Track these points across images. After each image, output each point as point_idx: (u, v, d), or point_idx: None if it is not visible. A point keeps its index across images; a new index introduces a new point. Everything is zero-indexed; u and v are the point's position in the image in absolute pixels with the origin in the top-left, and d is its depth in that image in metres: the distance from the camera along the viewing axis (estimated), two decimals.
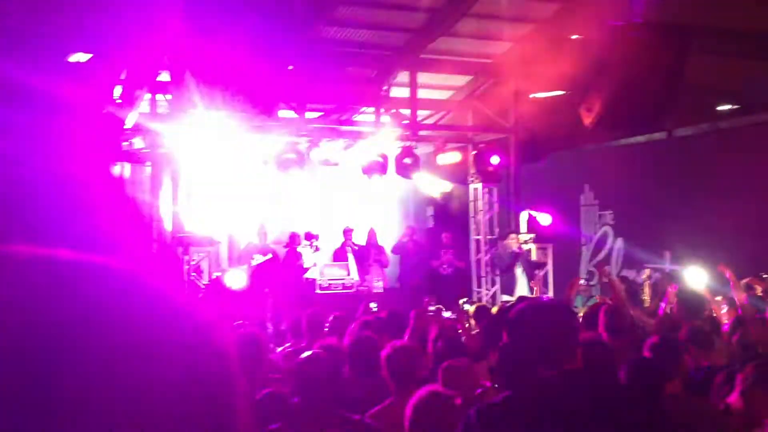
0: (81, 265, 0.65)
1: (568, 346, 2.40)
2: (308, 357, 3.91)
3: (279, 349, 6.59)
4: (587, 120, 10.12)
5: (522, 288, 11.81)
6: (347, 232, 13.09)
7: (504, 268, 12.52)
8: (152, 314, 0.65)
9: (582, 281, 12.18)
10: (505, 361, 2.75)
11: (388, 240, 13.57)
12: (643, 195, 12.61)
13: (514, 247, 12.37)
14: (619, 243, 13.34)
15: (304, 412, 3.70)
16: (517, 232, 12.82)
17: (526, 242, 12.58)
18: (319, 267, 12.20)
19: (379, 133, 12.30)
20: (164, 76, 10.89)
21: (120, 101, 10.07)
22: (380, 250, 13.01)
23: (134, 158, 11.19)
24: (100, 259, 0.68)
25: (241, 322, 6.91)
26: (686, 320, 6.54)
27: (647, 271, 11.84)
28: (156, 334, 0.64)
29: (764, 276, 9.28)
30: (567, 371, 2.35)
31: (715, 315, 7.32)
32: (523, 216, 13.18)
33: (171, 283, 0.71)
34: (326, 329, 6.42)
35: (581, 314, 8.00)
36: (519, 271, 12.33)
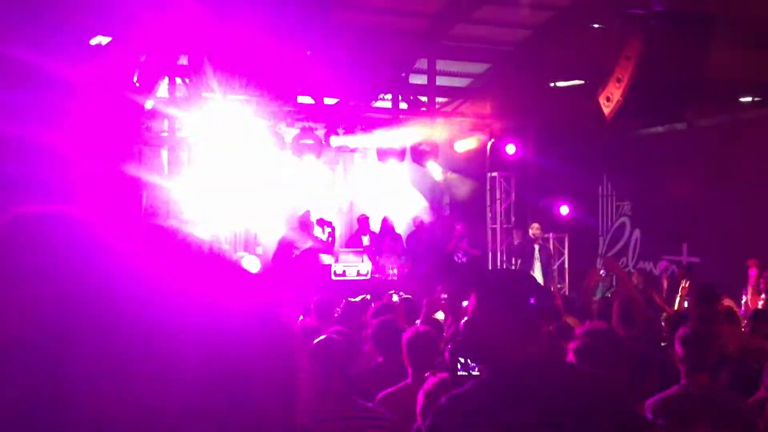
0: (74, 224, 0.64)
1: (533, 319, 2.37)
2: (322, 341, 3.92)
3: None
4: (607, 110, 10.05)
5: (538, 277, 11.79)
6: (362, 220, 13.10)
7: (520, 256, 12.50)
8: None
9: (602, 272, 12.13)
10: (470, 339, 2.67)
11: (403, 228, 13.57)
12: (661, 186, 12.51)
13: (533, 236, 12.36)
14: (637, 234, 13.25)
15: (319, 398, 3.72)
16: (535, 221, 12.78)
17: (543, 232, 12.55)
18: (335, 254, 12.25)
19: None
20: (183, 60, 10.92)
21: (138, 85, 10.12)
22: (396, 237, 13.01)
23: (151, 142, 11.25)
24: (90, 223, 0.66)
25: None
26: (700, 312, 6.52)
27: (664, 263, 11.80)
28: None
29: None
30: (539, 360, 2.33)
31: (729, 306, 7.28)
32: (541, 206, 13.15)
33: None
34: (336, 315, 6.44)
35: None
36: (536, 262, 12.32)
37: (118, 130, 9.06)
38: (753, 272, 9.26)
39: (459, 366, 3.08)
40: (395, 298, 8.29)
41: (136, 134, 10.61)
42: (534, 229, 12.44)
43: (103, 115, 8.13)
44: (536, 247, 12.38)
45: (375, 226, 13.30)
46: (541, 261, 12.32)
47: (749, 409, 3.91)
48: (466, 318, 2.53)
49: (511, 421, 2.14)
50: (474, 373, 3.08)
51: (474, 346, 2.49)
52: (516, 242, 12.90)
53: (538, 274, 11.99)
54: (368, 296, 7.46)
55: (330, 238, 12.43)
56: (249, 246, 12.25)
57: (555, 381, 2.24)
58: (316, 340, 3.99)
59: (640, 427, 2.98)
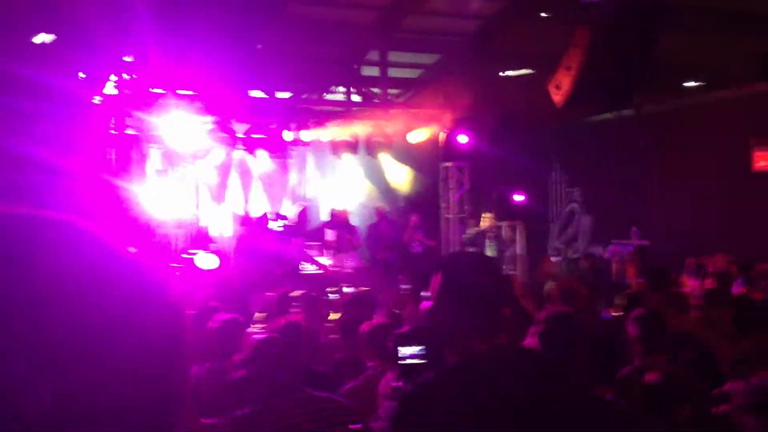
0: (54, 225, 0.70)
1: (496, 302, 2.38)
2: (264, 338, 3.91)
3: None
4: (557, 98, 10.18)
5: None
6: (331, 213, 13.07)
7: (472, 246, 12.61)
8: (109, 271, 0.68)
9: (553, 258, 12.32)
10: (432, 326, 2.68)
11: (359, 220, 13.56)
12: (610, 172, 12.75)
13: (484, 226, 12.49)
14: (587, 219, 13.48)
15: (271, 395, 3.69)
16: (487, 210, 12.91)
17: (495, 221, 12.68)
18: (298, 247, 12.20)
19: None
20: (129, 57, 10.72)
21: (85, 82, 9.91)
22: (352, 230, 13.00)
23: (117, 141, 11.04)
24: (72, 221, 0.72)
25: (215, 306, 6.89)
26: (651, 292, 6.68)
27: (613, 248, 12.03)
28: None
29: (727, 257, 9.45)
30: (504, 347, 2.35)
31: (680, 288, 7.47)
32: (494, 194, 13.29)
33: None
34: (295, 308, 6.44)
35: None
36: (489, 250, 12.44)
37: (92, 133, 8.94)
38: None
39: (401, 355, 3.11)
40: (347, 289, 8.32)
41: (106, 136, 10.45)
42: (485, 219, 12.57)
43: (73, 118, 7.99)
44: (487, 236, 12.51)
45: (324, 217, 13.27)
46: (495, 249, 12.45)
47: (706, 389, 4.02)
48: (429, 303, 2.53)
49: (477, 408, 2.14)
50: (416, 361, 3.11)
51: (438, 332, 2.49)
52: (468, 232, 12.99)
53: None
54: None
55: (287, 232, 12.37)
56: (203, 243, 12.11)
57: (521, 368, 2.26)
58: (257, 338, 3.97)
59: (604, 413, 3.05)
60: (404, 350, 3.07)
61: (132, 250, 0.73)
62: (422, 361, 3.06)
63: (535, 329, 3.73)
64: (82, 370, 0.64)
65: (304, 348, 4.41)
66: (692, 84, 12.59)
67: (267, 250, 11.71)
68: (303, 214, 12.76)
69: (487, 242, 12.49)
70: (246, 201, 13.47)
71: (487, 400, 2.14)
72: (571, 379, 2.35)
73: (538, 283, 10.94)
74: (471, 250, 12.72)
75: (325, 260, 11.83)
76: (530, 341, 3.67)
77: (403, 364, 3.08)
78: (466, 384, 2.19)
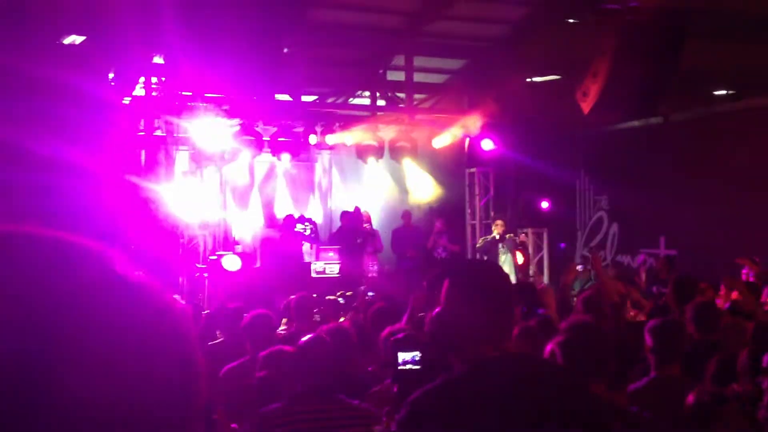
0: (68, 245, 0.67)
1: (504, 309, 2.37)
2: (311, 340, 3.92)
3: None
4: (584, 104, 10.11)
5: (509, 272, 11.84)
6: (344, 217, 13.07)
7: (485, 254, 12.48)
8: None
9: (579, 267, 12.20)
10: (440, 332, 2.66)
11: (384, 225, 13.56)
12: (638, 180, 12.61)
13: (495, 233, 12.41)
14: (614, 228, 13.35)
15: (303, 396, 3.71)
16: (512, 217, 12.84)
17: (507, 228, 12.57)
18: (314, 251, 12.23)
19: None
20: (159, 59, 10.83)
21: (114, 84, 10.03)
22: (374, 234, 13.00)
23: (145, 143, 11.17)
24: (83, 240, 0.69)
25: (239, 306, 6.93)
26: (680, 304, 6.58)
27: (642, 257, 11.90)
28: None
29: (757, 260, 9.30)
30: (513, 353, 2.33)
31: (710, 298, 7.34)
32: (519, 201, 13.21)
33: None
34: (316, 314, 6.44)
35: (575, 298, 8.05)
36: (503, 257, 12.33)
37: (121, 135, 9.07)
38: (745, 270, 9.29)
39: (401, 360, 3.12)
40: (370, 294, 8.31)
41: (135, 138, 10.61)
42: (497, 227, 12.48)
43: (102, 120, 8.10)
44: (500, 244, 12.41)
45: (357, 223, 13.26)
46: (508, 256, 12.34)
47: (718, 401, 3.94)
48: (437, 309, 2.53)
49: (485, 416, 2.13)
50: (413, 367, 3.12)
51: (446, 338, 2.48)
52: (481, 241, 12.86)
53: (507, 269, 12.02)
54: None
55: (312, 235, 12.42)
56: (228, 245, 12.19)
57: (529, 375, 2.24)
58: (303, 339, 3.99)
59: (612, 420, 3.01)
60: (403, 355, 3.09)
61: (137, 273, 0.69)
62: (417, 367, 3.07)
63: (556, 339, 3.70)
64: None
65: (350, 352, 4.46)
66: (722, 92, 12.44)
67: (291, 253, 11.76)
68: (353, 217, 12.85)
69: (501, 250, 12.39)
70: (271, 204, 13.53)
71: (494, 408, 2.13)
72: (580, 387, 2.32)
73: (561, 291, 10.85)
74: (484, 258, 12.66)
75: (337, 264, 11.81)
76: (552, 351, 3.63)
77: (399, 370, 3.09)
78: (474, 391, 2.18)
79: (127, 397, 0.61)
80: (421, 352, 3.12)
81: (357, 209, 13.07)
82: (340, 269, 11.66)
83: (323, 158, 14.20)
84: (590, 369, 3.42)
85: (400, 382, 3.10)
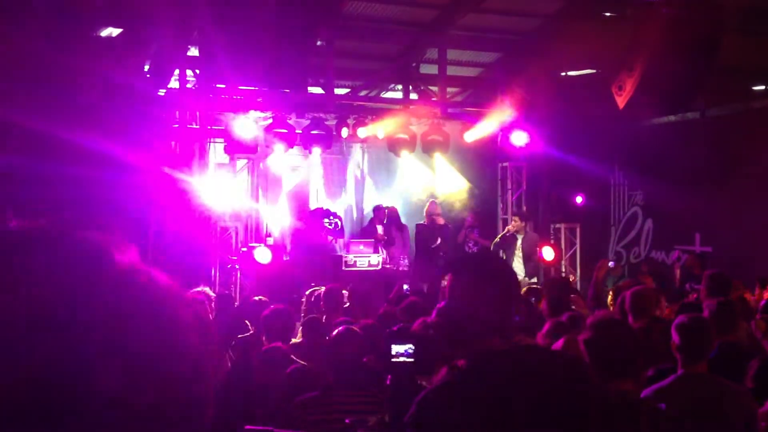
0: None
1: (510, 299, 2.36)
2: (342, 333, 3.96)
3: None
4: (619, 99, 9.99)
5: (518, 269, 11.79)
6: (377, 210, 13.09)
7: (503, 248, 12.38)
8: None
9: (611, 263, 12.06)
10: (445, 325, 2.66)
11: (416, 220, 13.54)
12: (674, 175, 12.43)
13: (513, 229, 12.32)
14: (649, 224, 13.19)
15: (333, 388, 3.76)
16: (547, 211, 12.75)
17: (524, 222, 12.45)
18: (344, 244, 12.30)
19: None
20: (193, 51, 10.93)
21: (149, 76, 10.15)
22: (402, 227, 12.98)
23: (180, 135, 11.30)
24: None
25: (262, 298, 7.00)
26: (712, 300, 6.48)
27: (677, 253, 11.75)
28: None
29: None
30: (517, 345, 2.32)
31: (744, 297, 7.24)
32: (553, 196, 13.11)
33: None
34: (346, 305, 6.48)
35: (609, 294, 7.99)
36: (518, 251, 12.25)
37: (156, 126, 9.17)
38: None
39: (394, 353, 3.14)
40: (405, 287, 8.32)
41: (170, 129, 10.73)
42: (514, 222, 12.39)
43: (138, 112, 8.21)
44: (518, 238, 12.31)
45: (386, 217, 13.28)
46: (522, 252, 12.23)
47: (747, 400, 3.89)
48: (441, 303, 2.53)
49: (493, 410, 2.13)
50: (407, 359, 3.14)
51: (451, 331, 2.47)
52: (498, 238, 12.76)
53: (518, 265, 11.93)
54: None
55: (338, 230, 12.45)
56: (260, 237, 12.29)
57: (535, 367, 2.24)
58: (335, 332, 4.03)
59: (620, 411, 3.00)
60: (397, 348, 3.11)
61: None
62: (410, 359, 3.10)
63: (582, 336, 3.68)
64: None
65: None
66: (760, 87, 12.20)
67: (320, 245, 11.82)
68: (392, 213, 12.89)
69: (517, 245, 12.29)
70: (303, 197, 13.61)
71: (501, 402, 2.13)
72: (585, 378, 2.32)
73: (594, 287, 10.78)
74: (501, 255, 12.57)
75: (377, 257, 11.84)
76: (581, 347, 3.61)
77: (392, 362, 3.12)
78: (481, 386, 2.18)
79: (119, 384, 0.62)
80: (414, 344, 3.15)
81: (392, 209, 13.10)
82: (375, 262, 11.70)
83: (356, 152, 14.23)
84: (617, 366, 3.40)
85: (393, 373, 3.13)
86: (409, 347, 3.13)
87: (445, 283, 2.42)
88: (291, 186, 13.60)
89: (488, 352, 2.25)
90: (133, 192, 8.44)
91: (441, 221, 12.56)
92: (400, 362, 3.11)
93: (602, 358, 3.36)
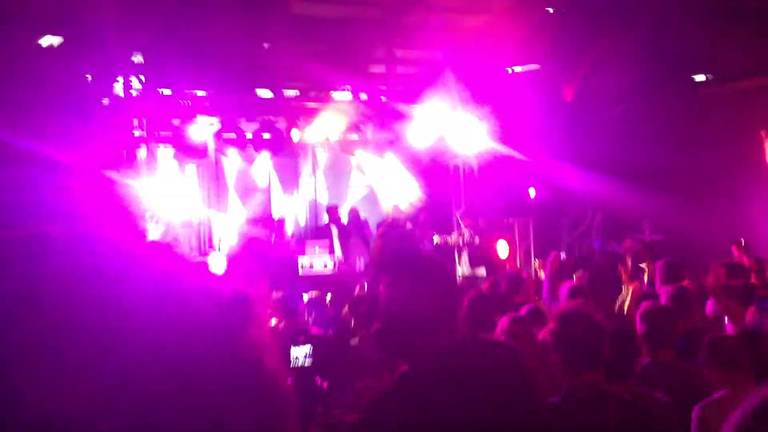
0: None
1: (450, 294, 2.36)
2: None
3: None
4: (567, 93, 10.11)
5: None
6: (331, 210, 13.01)
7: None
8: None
9: (562, 255, 12.20)
10: (388, 328, 2.65)
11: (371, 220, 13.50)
12: (622, 168, 12.62)
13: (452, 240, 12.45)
14: (599, 215, 13.38)
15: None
16: (500, 205, 12.85)
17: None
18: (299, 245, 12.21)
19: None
20: (138, 57, 10.70)
21: (92, 80, 9.91)
22: (363, 224, 12.93)
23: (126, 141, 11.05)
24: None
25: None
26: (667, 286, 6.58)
27: (628, 242, 11.92)
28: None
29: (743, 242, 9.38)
30: (460, 342, 2.30)
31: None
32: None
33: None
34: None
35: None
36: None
37: (99, 132, 8.95)
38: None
39: (293, 356, 3.15)
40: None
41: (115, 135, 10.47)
42: (453, 237, 12.57)
43: (80, 116, 8.00)
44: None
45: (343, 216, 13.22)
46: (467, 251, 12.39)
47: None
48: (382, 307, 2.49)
49: (440, 408, 2.12)
50: (306, 361, 3.16)
51: (395, 332, 2.42)
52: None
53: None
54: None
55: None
56: (212, 244, 12.11)
57: (479, 362, 2.24)
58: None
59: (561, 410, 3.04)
60: (295, 351, 3.13)
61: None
62: (310, 360, 3.13)
63: (549, 326, 3.68)
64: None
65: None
66: (702, 78, 12.46)
67: (277, 251, 11.69)
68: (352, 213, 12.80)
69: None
70: (254, 200, 13.44)
71: (448, 399, 2.14)
72: (527, 367, 2.33)
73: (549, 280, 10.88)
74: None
75: (331, 260, 11.75)
76: (544, 337, 3.62)
77: (294, 367, 3.14)
78: (425, 386, 2.18)
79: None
80: (313, 345, 3.19)
81: (353, 209, 13.04)
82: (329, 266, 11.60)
83: (307, 153, 14.12)
84: (586, 358, 3.40)
85: (295, 376, 3.15)
86: (307, 350, 3.16)
87: (382, 287, 2.38)
88: (242, 191, 13.43)
89: (430, 354, 2.22)
90: (69, 194, 8.20)
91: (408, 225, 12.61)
92: (300, 366, 3.13)
93: (571, 351, 3.36)
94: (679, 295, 5.21)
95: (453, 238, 12.51)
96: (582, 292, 6.15)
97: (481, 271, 12.10)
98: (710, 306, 6.27)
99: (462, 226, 12.53)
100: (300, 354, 3.14)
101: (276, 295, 7.09)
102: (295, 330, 4.91)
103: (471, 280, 11.52)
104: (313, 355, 3.15)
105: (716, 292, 6.12)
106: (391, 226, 12.88)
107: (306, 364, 3.13)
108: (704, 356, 3.87)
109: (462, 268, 12.26)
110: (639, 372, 3.93)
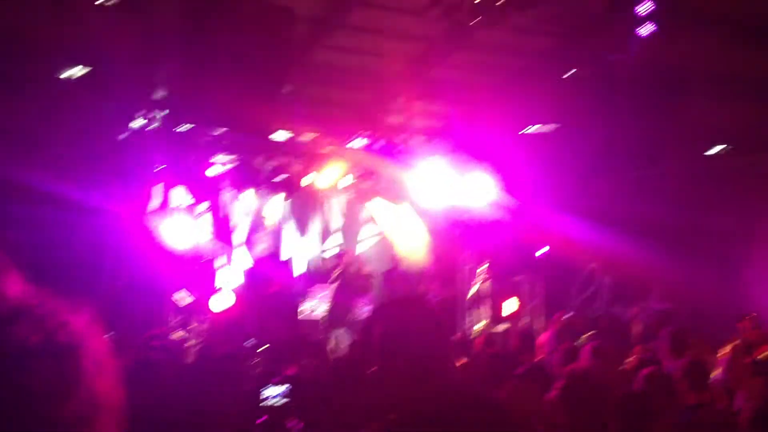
0: None
1: (441, 340, 2.34)
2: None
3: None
4: (581, 154, 10.10)
5: None
6: (340, 256, 13.01)
7: None
8: None
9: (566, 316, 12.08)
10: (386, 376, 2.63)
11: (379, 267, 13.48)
12: (633, 230, 12.56)
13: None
14: (608, 279, 13.28)
15: None
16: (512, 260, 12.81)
17: None
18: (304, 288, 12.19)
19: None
20: (158, 95, 10.84)
21: (111, 116, 10.05)
22: (368, 276, 12.91)
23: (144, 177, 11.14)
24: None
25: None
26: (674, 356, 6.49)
27: (634, 309, 11.80)
28: None
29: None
30: (455, 393, 2.28)
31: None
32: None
33: None
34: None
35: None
36: None
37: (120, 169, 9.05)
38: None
39: (264, 396, 3.11)
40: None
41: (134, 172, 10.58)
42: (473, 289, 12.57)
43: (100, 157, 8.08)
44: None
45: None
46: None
47: None
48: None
49: None
50: (280, 401, 3.12)
51: (390, 383, 2.36)
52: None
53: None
54: None
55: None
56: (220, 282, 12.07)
57: (466, 422, 2.20)
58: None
59: None
60: (268, 392, 3.10)
61: None
62: (285, 400, 3.09)
63: (556, 384, 3.68)
64: None
65: None
66: (713, 151, 12.46)
67: (281, 291, 11.67)
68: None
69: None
70: (265, 241, 13.46)
71: None
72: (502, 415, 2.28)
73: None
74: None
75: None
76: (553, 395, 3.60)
77: (265, 407, 3.10)
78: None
79: None
80: (291, 384, 3.15)
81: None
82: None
83: (320, 198, 14.17)
84: (585, 415, 3.37)
85: (268, 414, 3.12)
86: (285, 389, 3.13)
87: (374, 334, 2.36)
88: (252, 229, 13.45)
89: (418, 405, 2.19)
90: (96, 236, 8.29)
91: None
92: (272, 406, 3.10)
93: (573, 407, 3.34)
94: (691, 369, 5.15)
95: (472, 292, 12.47)
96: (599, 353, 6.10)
97: (501, 327, 12.04)
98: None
99: (477, 280, 12.48)
100: (271, 393, 3.10)
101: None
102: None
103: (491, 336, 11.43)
104: (290, 395, 3.10)
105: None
106: (391, 273, 12.89)
107: (277, 404, 3.08)
108: None
109: (479, 324, 12.19)
110: None
